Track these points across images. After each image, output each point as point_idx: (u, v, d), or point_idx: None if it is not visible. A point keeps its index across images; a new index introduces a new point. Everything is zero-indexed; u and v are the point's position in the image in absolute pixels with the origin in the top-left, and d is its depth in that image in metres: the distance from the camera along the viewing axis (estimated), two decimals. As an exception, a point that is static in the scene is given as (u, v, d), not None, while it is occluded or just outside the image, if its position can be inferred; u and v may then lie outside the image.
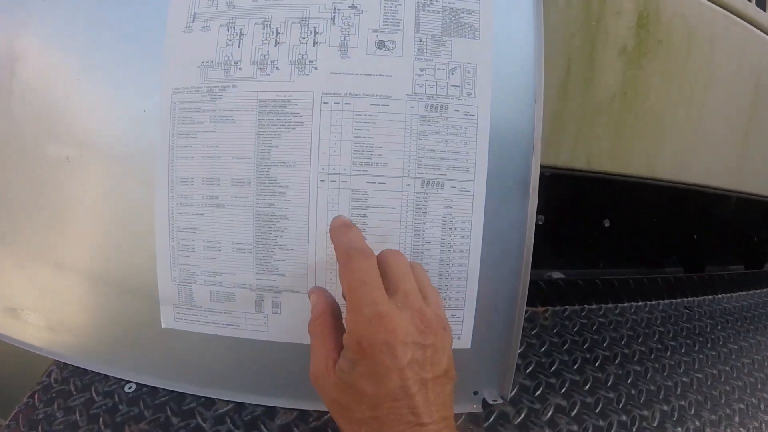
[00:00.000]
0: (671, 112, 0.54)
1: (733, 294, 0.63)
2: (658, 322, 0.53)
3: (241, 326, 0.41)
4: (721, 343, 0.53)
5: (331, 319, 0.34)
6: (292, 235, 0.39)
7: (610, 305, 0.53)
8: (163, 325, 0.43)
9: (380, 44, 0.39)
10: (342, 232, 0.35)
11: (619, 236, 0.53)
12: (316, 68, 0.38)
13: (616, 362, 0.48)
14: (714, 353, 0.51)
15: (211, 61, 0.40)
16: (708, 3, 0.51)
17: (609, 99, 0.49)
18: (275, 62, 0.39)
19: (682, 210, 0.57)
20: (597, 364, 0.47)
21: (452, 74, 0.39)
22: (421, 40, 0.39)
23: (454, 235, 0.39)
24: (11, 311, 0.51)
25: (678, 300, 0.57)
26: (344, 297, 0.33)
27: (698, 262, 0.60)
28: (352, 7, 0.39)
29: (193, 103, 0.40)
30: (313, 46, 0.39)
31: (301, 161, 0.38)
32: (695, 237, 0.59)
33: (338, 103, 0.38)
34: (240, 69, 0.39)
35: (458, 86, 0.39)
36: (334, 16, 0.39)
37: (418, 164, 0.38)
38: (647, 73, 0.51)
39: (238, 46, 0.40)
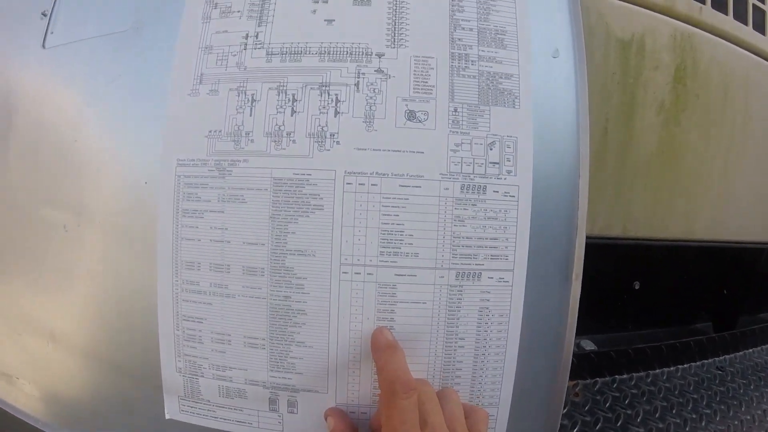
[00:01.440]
0: (709, 167, 0.45)
1: (764, 347, 0.56)
2: (691, 388, 0.46)
3: (254, 424, 0.32)
4: (755, 404, 0.46)
5: None
6: (310, 332, 0.30)
7: (642, 373, 0.46)
8: (168, 416, 0.34)
9: (411, 115, 0.30)
10: (387, 355, 0.28)
11: (649, 298, 0.46)
12: (338, 142, 0.29)
13: (652, 440, 0.41)
14: (749, 417, 0.44)
15: (220, 131, 0.31)
16: (741, 50, 0.43)
17: (646, 160, 0.41)
18: (291, 134, 0.30)
19: (713, 266, 0.50)
20: (632, 445, 0.40)
21: (491, 149, 0.30)
22: (456, 110, 0.30)
23: (490, 330, 0.30)
24: (7, 377, 0.43)
25: (709, 360, 0.49)
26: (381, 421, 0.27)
27: (728, 316, 0.53)
28: (379, 71, 0.30)
29: (200, 178, 0.31)
30: (335, 116, 0.30)
31: (321, 250, 0.29)
32: (725, 292, 0.52)
33: (363, 184, 0.29)
34: (252, 141, 0.30)
35: (497, 163, 0.30)
36: (358, 81, 0.30)
37: (452, 254, 0.29)
38: (684, 129, 0.42)
39: (250, 114, 0.31)
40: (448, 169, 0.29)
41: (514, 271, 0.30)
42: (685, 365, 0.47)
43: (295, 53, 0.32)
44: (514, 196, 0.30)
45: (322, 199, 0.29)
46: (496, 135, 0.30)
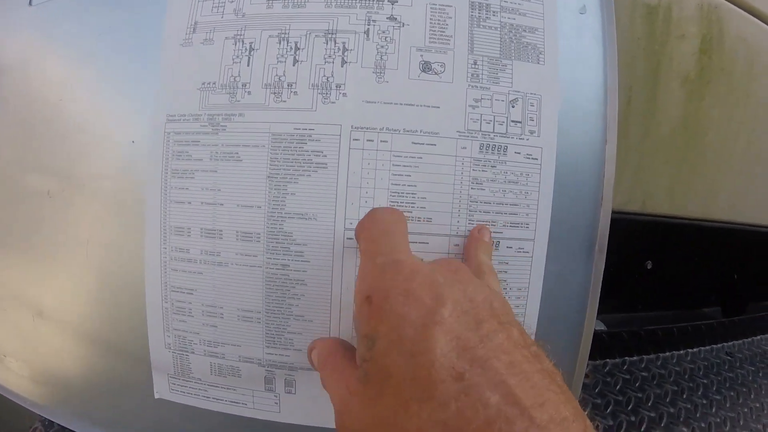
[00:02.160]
0: (731, 146, 0.41)
1: None
2: (701, 373, 0.42)
3: (248, 405, 0.28)
4: (763, 392, 0.42)
5: (344, 353, 0.21)
6: (310, 305, 0.25)
7: (652, 356, 0.43)
8: (157, 396, 0.30)
9: (426, 66, 0.25)
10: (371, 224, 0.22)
11: (660, 279, 0.43)
12: (344, 94, 0.25)
13: (662, 425, 0.37)
14: (758, 405, 0.40)
15: (214, 83, 0.26)
16: (767, 27, 0.40)
17: (670, 134, 0.37)
18: (293, 86, 0.25)
19: (727, 249, 0.46)
20: (643, 429, 0.36)
21: (513, 107, 0.25)
22: (475, 63, 0.25)
23: (508, 305, 0.28)
24: (-6, 355, 0.38)
25: (719, 345, 0.46)
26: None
27: (737, 302, 0.50)
28: (391, 18, 0.25)
29: (191, 135, 0.26)
30: (342, 66, 0.25)
31: (323, 213, 0.24)
32: (735, 276, 0.49)
33: (372, 141, 0.24)
34: (249, 93, 0.25)
35: (520, 122, 0.25)
36: (368, 29, 0.25)
37: (468, 219, 0.25)
38: (708, 104, 0.38)
39: (248, 65, 0.26)
40: (466, 127, 0.25)
41: (534, 240, 0.26)
42: (694, 349, 0.44)
43: (298, -1, 0.28)
44: (536, 159, 0.25)
45: (325, 156, 0.24)
46: (518, 92, 0.25)
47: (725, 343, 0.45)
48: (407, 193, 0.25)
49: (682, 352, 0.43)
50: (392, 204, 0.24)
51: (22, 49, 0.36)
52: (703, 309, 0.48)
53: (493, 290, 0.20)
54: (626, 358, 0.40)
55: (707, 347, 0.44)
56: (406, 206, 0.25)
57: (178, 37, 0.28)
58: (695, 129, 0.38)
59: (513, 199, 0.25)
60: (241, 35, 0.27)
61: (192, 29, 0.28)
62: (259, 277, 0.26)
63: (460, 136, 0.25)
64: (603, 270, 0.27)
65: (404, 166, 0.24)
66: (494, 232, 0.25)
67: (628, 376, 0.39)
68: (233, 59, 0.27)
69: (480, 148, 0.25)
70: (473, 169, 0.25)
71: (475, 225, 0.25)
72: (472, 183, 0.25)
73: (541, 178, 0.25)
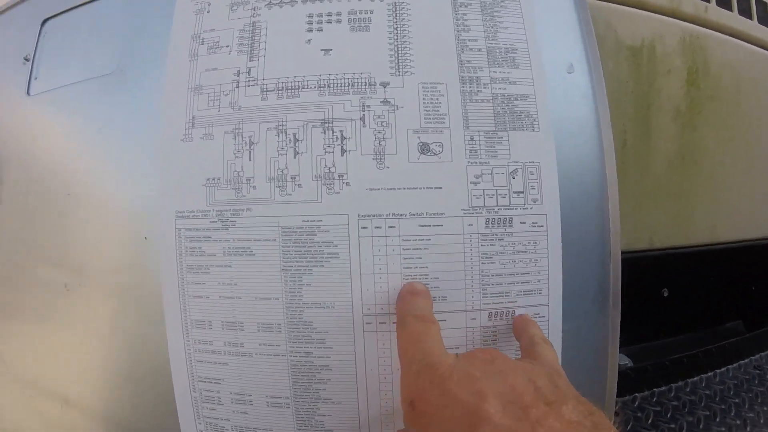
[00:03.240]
0: (728, 169, 0.40)
1: None
2: (731, 392, 0.39)
3: None
4: None
5: None
6: (337, 388, 0.24)
7: (680, 383, 0.41)
8: (194, 480, 0.30)
9: (424, 148, 0.23)
10: (406, 301, 0.22)
11: (678, 303, 0.41)
12: (347, 183, 0.23)
13: (700, 453, 0.36)
14: None
15: (218, 178, 0.24)
16: (749, 46, 0.38)
17: (667, 169, 0.36)
18: (296, 178, 0.23)
19: (739, 265, 0.44)
20: (681, 460, 0.34)
21: (513, 178, 0.23)
22: (472, 139, 0.23)
23: (527, 368, 0.27)
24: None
25: (745, 361, 0.44)
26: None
27: (758, 313, 0.48)
28: (385, 102, 0.24)
29: (202, 231, 0.24)
30: (342, 155, 0.23)
31: (340, 302, 0.23)
32: (753, 288, 0.47)
33: (380, 227, 0.23)
34: (254, 188, 0.24)
35: (522, 192, 0.23)
36: (364, 115, 0.24)
37: (483, 293, 0.23)
38: (701, 134, 0.37)
39: (249, 159, 0.24)
40: (470, 204, 0.23)
41: (549, 305, 0.24)
42: (722, 369, 0.42)
43: (292, 88, 0.25)
44: (542, 226, 0.24)
45: (336, 246, 0.23)
46: (517, 162, 0.24)
47: (752, 357, 0.43)
48: (420, 275, 0.23)
49: (710, 374, 0.41)
50: (406, 287, 0.24)
51: (22, 139, 0.34)
52: (725, 325, 0.46)
53: (537, 367, 0.19)
54: (654, 389, 0.38)
55: (734, 365, 0.42)
56: (419, 288, 0.24)
57: (178, 132, 0.27)
58: (691, 160, 0.36)
59: (523, 268, 0.24)
60: (239, 129, 0.26)
61: (191, 124, 0.27)
62: (284, 365, 0.25)
63: (465, 213, 0.23)
64: (619, 323, 0.26)
65: (414, 249, 0.23)
66: (508, 302, 0.24)
67: (658, 408, 0.37)
68: (235, 154, 0.25)
69: (486, 223, 0.23)
70: (482, 245, 0.23)
71: (488, 297, 0.24)
72: (482, 258, 0.23)
73: (548, 244, 0.24)
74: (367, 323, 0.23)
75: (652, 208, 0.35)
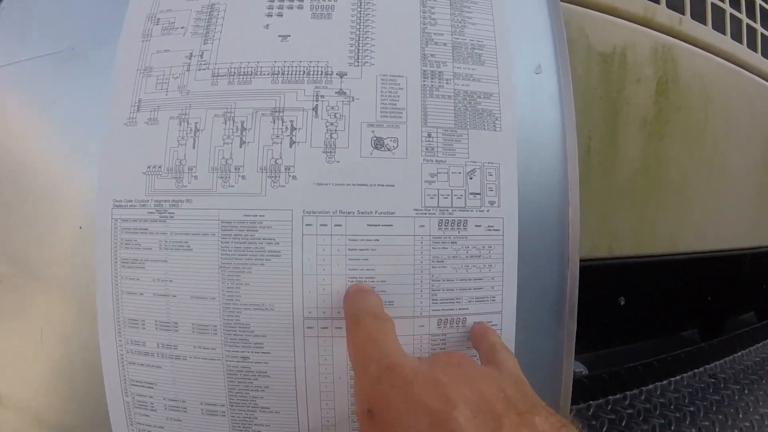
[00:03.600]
0: (693, 180, 0.38)
1: (752, 348, 0.48)
2: (686, 401, 0.38)
3: None
4: (751, 410, 0.39)
5: None
6: (275, 396, 0.21)
7: (635, 391, 0.40)
8: (124, 489, 0.27)
9: (378, 143, 0.21)
10: (356, 298, 0.20)
11: (634, 312, 0.40)
12: (294, 177, 0.21)
13: (654, 462, 0.34)
14: (747, 424, 0.37)
15: (160, 166, 0.22)
16: (721, 60, 0.38)
17: (631, 177, 0.34)
18: (240, 169, 0.21)
19: (697, 275, 0.44)
20: (635, 471, 0.33)
21: (471, 178, 0.21)
22: (429, 136, 0.21)
23: (478, 379, 0.25)
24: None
25: (700, 369, 0.43)
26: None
27: (714, 322, 0.47)
28: (340, 92, 0.21)
29: (139, 222, 0.22)
30: (290, 146, 0.21)
31: (280, 303, 0.20)
32: (710, 298, 0.46)
33: (325, 225, 0.20)
34: (195, 178, 0.21)
35: (479, 194, 0.21)
36: (317, 105, 0.21)
37: (432, 299, 0.21)
38: (667, 143, 0.35)
39: (193, 147, 0.21)
40: (423, 204, 0.21)
41: (502, 313, 0.22)
42: (677, 377, 0.41)
43: (244, 74, 0.23)
44: (498, 230, 0.22)
45: (278, 244, 0.20)
46: (476, 162, 0.22)
47: (707, 366, 0.42)
48: (366, 278, 0.20)
49: (665, 382, 0.40)
50: (351, 290, 0.22)
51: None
52: (680, 334, 0.46)
53: (503, 374, 0.17)
54: (609, 397, 0.37)
55: (689, 373, 0.41)
56: (366, 291, 0.22)
57: (122, 115, 0.24)
58: (656, 169, 0.35)
59: (477, 274, 0.21)
60: (186, 114, 0.23)
61: (136, 107, 0.24)
62: (219, 370, 0.22)
63: (417, 214, 0.21)
64: (575, 333, 0.24)
65: (361, 249, 0.20)
66: (459, 308, 0.21)
67: (613, 416, 0.35)
68: (178, 141, 0.23)
69: (439, 225, 0.21)
70: (433, 247, 0.21)
71: (438, 303, 0.22)
72: (433, 261, 0.21)
73: (504, 249, 0.22)
74: (308, 327, 0.20)
75: (614, 216, 0.34)
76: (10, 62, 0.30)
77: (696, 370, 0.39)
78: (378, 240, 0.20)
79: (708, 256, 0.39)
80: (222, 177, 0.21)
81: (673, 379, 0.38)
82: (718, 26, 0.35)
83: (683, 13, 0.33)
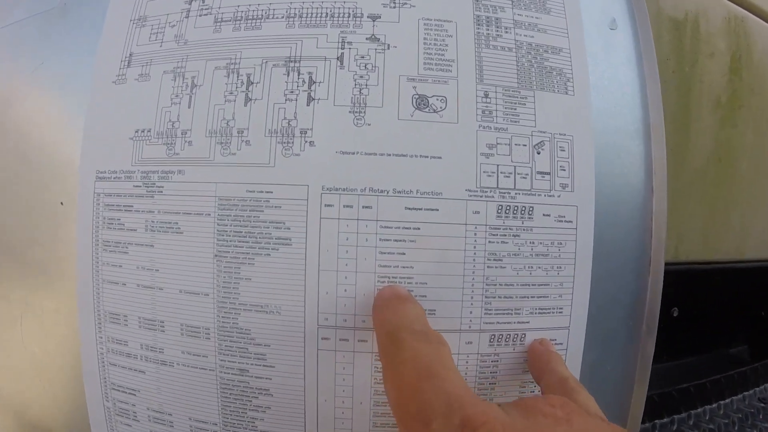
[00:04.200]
0: (763, 175, 0.29)
1: None
2: (736, 427, 0.30)
3: None
4: None
5: None
6: (279, 419, 0.14)
7: (683, 415, 0.30)
8: (106, 507, 0.21)
9: (421, 102, 0.14)
10: (393, 308, 0.13)
11: (686, 325, 0.32)
12: (311, 143, 0.14)
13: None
14: None
15: (148, 130, 0.15)
16: None
17: (703, 169, 0.26)
18: (244, 132, 0.14)
19: (756, 288, 0.35)
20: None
21: (538, 153, 0.14)
22: (487, 96, 0.14)
23: (535, 408, 0.18)
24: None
25: (750, 392, 0.33)
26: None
27: (765, 340, 0.39)
28: (373, 38, 0.14)
29: (123, 197, 0.15)
30: (308, 104, 0.14)
31: (289, 306, 0.14)
32: (763, 313, 0.38)
33: (351, 206, 0.13)
34: (189, 143, 0.15)
35: (548, 173, 0.14)
36: (342, 54, 0.14)
37: (485, 309, 0.14)
38: (740, 131, 0.27)
39: (188, 106, 0.15)
40: (479, 183, 0.14)
41: (569, 329, 0.15)
42: (726, 400, 0.32)
43: (253, 18, 0.16)
44: (571, 221, 0.14)
45: (288, 229, 0.14)
46: (544, 132, 0.14)
47: (756, 389, 0.34)
48: (401, 278, 0.13)
49: (714, 405, 0.31)
50: (381, 292, 0.15)
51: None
52: (729, 350, 0.38)
53: (609, 428, 0.10)
54: (656, 421, 0.29)
55: (739, 396, 0.32)
56: (399, 295, 0.15)
57: (111, 72, 0.17)
58: (728, 160, 0.27)
59: (542, 278, 0.14)
60: (182, 68, 0.16)
61: (126, 62, 0.17)
62: (212, 382, 0.15)
63: (470, 196, 0.14)
64: (653, 354, 0.17)
65: (396, 240, 0.13)
66: (518, 322, 0.15)
67: None
68: (172, 99, 0.16)
69: (498, 212, 0.14)
70: (490, 241, 0.14)
71: (492, 314, 0.15)
72: (489, 259, 0.14)
73: (577, 246, 0.14)
74: (323, 338, 0.14)
75: (682, 213, 0.25)
76: (5, 24, 0.24)
77: (746, 393, 0.31)
78: (419, 229, 0.13)
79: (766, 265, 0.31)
80: (221, 142, 0.15)
81: (722, 402, 0.30)
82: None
83: (752, -18, 0.25)
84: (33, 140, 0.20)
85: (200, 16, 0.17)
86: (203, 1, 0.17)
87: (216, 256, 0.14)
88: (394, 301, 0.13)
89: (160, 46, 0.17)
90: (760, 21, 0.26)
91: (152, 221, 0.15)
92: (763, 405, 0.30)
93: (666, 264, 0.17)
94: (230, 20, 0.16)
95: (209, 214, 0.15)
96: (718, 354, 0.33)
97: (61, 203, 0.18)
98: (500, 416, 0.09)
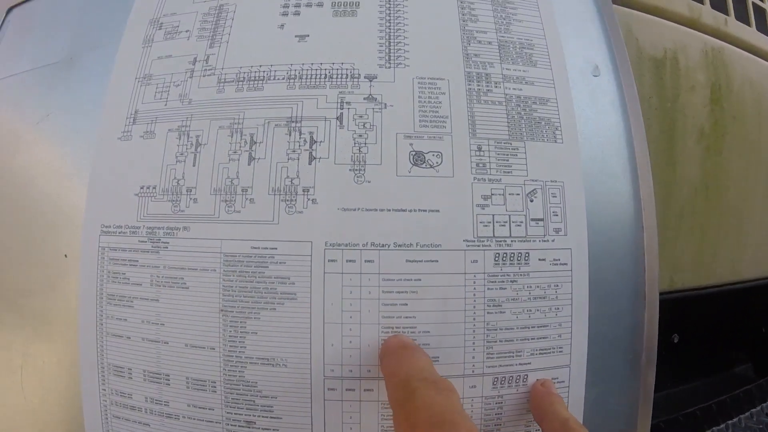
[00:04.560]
0: (751, 198, 0.31)
1: None
2: None
3: None
4: None
5: None
6: None
7: None
8: None
9: (418, 158, 0.15)
10: (402, 358, 0.13)
11: (688, 349, 0.33)
12: (313, 201, 0.14)
13: None
14: None
15: (154, 187, 0.16)
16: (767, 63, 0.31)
17: (691, 198, 0.27)
18: (248, 191, 0.15)
19: (754, 305, 0.36)
20: None
21: (531, 201, 0.15)
22: (480, 149, 0.15)
23: (541, 449, 0.18)
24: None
25: (757, 409, 0.36)
26: None
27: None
28: (370, 99, 0.15)
29: (128, 252, 0.16)
30: (310, 163, 0.15)
31: (295, 358, 0.14)
32: (764, 330, 0.38)
33: (353, 261, 0.14)
34: (195, 201, 0.15)
35: (542, 220, 0.15)
36: (342, 114, 0.15)
37: (487, 353, 0.14)
38: (726, 158, 0.28)
39: (194, 164, 0.15)
40: (476, 233, 0.14)
41: (570, 367, 0.15)
42: (734, 419, 0.31)
43: (255, 80, 0.17)
44: (566, 264, 0.15)
45: (293, 284, 0.14)
46: (536, 181, 0.15)
47: (763, 405, 0.35)
48: (405, 327, 0.14)
49: (722, 426, 0.30)
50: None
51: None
52: (734, 370, 0.38)
53: None
54: None
55: (746, 414, 0.33)
56: (403, 345, 0.15)
57: (117, 128, 0.18)
58: (716, 187, 0.28)
59: (541, 320, 0.15)
60: (186, 126, 0.17)
61: (132, 119, 0.18)
62: (218, 436, 0.16)
63: (468, 246, 0.14)
64: (653, 384, 0.18)
65: (398, 292, 0.14)
66: (519, 363, 0.15)
67: None
68: (177, 157, 0.17)
69: (495, 260, 0.14)
70: (488, 288, 0.14)
71: (494, 358, 0.15)
72: (488, 305, 0.14)
73: (572, 287, 0.15)
74: (329, 389, 0.14)
75: (674, 243, 0.26)
76: (9, 75, 0.24)
77: (753, 410, 0.32)
78: (420, 280, 0.14)
79: (764, 283, 0.31)
80: (226, 200, 0.15)
81: (730, 422, 0.30)
82: (762, 28, 0.28)
83: (727, 14, 0.27)
84: (36, 191, 0.20)
85: (204, 76, 0.18)
86: (207, 62, 0.18)
87: (222, 310, 0.15)
88: (402, 351, 0.13)
89: (165, 104, 0.17)
90: (737, 50, 0.27)
91: (158, 276, 0.16)
92: (770, 421, 0.31)
93: (662, 293, 0.18)
94: (233, 81, 0.17)
95: (215, 270, 0.15)
96: (722, 375, 0.33)
97: (65, 255, 0.18)
98: None
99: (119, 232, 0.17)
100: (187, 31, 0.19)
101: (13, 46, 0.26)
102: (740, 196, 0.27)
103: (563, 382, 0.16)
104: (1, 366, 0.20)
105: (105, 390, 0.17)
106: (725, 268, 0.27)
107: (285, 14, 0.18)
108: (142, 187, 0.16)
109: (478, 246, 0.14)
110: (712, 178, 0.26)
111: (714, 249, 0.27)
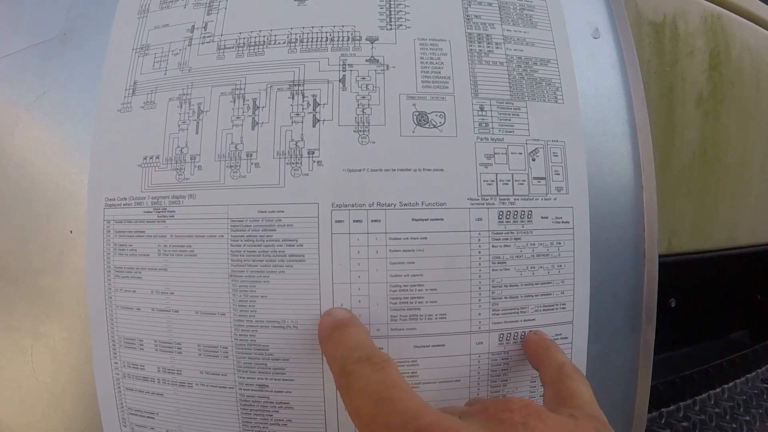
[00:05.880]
0: (749, 164, 0.31)
1: None
2: (741, 409, 0.31)
3: None
4: None
5: None
6: (300, 431, 0.15)
7: (689, 401, 0.31)
8: None
9: (422, 118, 0.15)
10: (335, 339, 0.13)
11: (685, 314, 0.33)
12: (319, 163, 0.15)
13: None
14: None
15: (157, 157, 0.16)
16: (765, 32, 0.31)
17: (689, 162, 0.27)
18: (253, 155, 0.15)
19: (750, 272, 0.37)
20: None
21: (533, 160, 0.15)
22: (482, 109, 0.15)
23: (546, 403, 0.19)
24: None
25: (752, 374, 0.34)
26: None
27: (764, 322, 0.40)
28: (372, 60, 0.15)
29: (133, 223, 0.16)
30: (314, 126, 0.15)
31: (305, 320, 0.14)
32: (759, 297, 0.39)
33: (360, 221, 0.14)
34: (199, 168, 0.15)
35: (544, 178, 0.15)
36: (344, 76, 0.15)
37: (493, 310, 0.15)
38: (724, 123, 0.29)
39: (196, 131, 0.15)
40: (480, 192, 0.15)
41: (573, 323, 0.16)
42: (730, 384, 0.33)
43: (255, 44, 0.17)
44: (568, 222, 0.15)
45: (301, 246, 0.14)
46: (538, 140, 0.15)
47: (758, 370, 0.35)
48: (412, 286, 0.14)
49: (718, 390, 0.32)
50: (395, 301, 0.15)
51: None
52: (729, 336, 0.39)
53: (581, 424, 0.11)
54: (663, 409, 0.29)
55: (742, 379, 0.33)
56: (412, 302, 0.15)
57: (116, 101, 0.18)
58: (714, 152, 0.28)
59: (544, 276, 0.15)
60: (187, 95, 0.17)
61: (131, 91, 0.18)
62: (231, 400, 0.16)
63: (473, 204, 0.15)
64: (653, 341, 0.18)
65: (405, 250, 0.14)
66: (524, 320, 0.16)
67: (668, 431, 0.28)
68: (179, 125, 0.17)
69: (499, 218, 0.15)
70: (493, 246, 0.15)
71: (500, 314, 0.16)
72: (494, 262, 0.15)
73: (575, 244, 0.15)
74: None
75: (673, 207, 0.27)
76: (4, 54, 0.24)
77: (749, 375, 0.33)
78: (426, 238, 0.14)
79: (763, 249, 0.32)
80: (231, 166, 0.15)
81: (726, 386, 0.31)
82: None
83: (727, -22, 0.27)
84: (37, 169, 0.20)
85: (203, 43, 0.17)
86: (205, 29, 0.18)
87: (231, 276, 0.15)
88: (335, 332, 0.13)
89: (165, 74, 0.17)
90: (736, 17, 0.28)
91: (165, 245, 0.16)
92: (766, 386, 0.32)
93: (660, 256, 0.19)
94: (233, 47, 0.17)
95: (222, 236, 0.15)
96: (718, 340, 0.34)
97: (71, 231, 0.19)
98: (453, 425, 0.10)
99: (124, 204, 0.17)
100: (183, 0, 0.19)
101: (6, 26, 0.26)
102: (738, 162, 0.28)
103: (567, 338, 0.16)
104: (12, 348, 0.20)
105: (117, 363, 0.17)
106: (722, 232, 0.28)
107: (282, -20, 0.18)
108: (145, 158, 0.17)
109: (482, 204, 0.15)
110: (710, 143, 0.26)
111: (711, 213, 0.27)
